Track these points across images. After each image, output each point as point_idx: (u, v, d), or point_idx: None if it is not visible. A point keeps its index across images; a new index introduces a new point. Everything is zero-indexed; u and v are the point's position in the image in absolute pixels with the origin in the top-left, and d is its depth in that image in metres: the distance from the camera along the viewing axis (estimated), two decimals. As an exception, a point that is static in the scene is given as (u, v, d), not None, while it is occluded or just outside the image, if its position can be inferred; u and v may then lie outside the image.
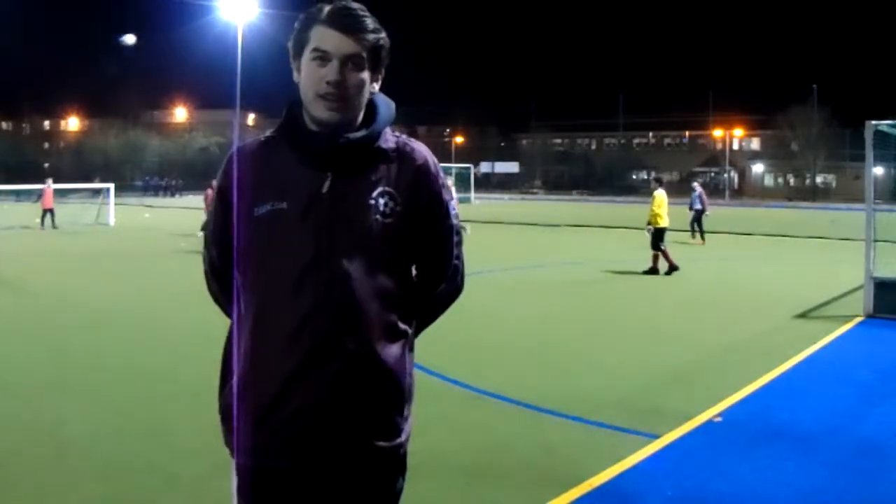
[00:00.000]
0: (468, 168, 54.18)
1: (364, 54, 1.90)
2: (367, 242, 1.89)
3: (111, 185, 30.69)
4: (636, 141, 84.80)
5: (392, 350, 1.94)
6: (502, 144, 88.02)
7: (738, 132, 75.72)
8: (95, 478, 4.50)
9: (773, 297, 11.54)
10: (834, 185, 68.73)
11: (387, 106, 2.01)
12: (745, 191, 73.03)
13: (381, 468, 1.95)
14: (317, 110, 1.90)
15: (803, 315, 10.23)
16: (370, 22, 1.91)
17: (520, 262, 16.43)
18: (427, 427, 5.53)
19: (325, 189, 1.89)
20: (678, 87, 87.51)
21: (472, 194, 51.66)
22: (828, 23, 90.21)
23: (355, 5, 1.92)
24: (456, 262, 2.09)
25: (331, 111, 1.88)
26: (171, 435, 5.24)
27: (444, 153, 76.57)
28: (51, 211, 25.38)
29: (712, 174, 75.91)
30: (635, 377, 6.96)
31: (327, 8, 1.90)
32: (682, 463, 4.82)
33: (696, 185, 22.28)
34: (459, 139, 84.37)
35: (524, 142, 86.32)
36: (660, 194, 14.43)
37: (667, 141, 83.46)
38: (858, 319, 9.79)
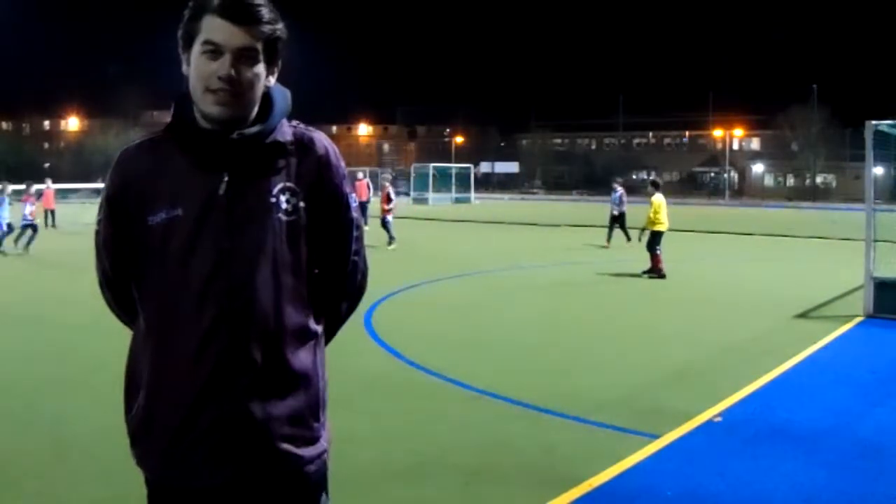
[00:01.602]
0: (468, 168, 54.17)
1: (259, 47, 1.76)
2: (271, 244, 1.78)
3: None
4: (636, 141, 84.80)
5: (302, 355, 1.84)
6: (502, 144, 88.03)
7: (738, 132, 75.71)
8: (95, 478, 4.50)
9: (773, 297, 11.54)
10: (834, 185, 68.72)
11: (283, 97, 1.87)
12: (745, 191, 73.02)
13: (300, 480, 1.85)
14: (207, 106, 1.75)
15: (803, 315, 10.23)
16: (266, 11, 1.77)
17: (520, 262, 16.43)
18: (427, 427, 5.54)
19: (221, 191, 1.76)
20: (678, 87, 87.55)
21: (472, 194, 51.66)
22: (828, 23, 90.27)
23: None
24: (355, 258, 1.96)
25: (221, 106, 1.74)
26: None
27: (444, 153, 76.62)
28: (51, 211, 25.38)
29: (712, 174, 75.92)
30: (635, 377, 6.96)
31: None
32: (682, 463, 4.82)
33: (616, 185, 21.06)
34: (459, 139, 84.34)
35: (524, 142, 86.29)
36: (658, 198, 14.31)
37: (667, 141, 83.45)
38: (858, 319, 9.78)
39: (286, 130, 1.86)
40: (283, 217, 1.81)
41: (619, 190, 20.42)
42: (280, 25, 1.80)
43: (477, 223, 28.79)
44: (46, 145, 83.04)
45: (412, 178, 51.39)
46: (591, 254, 18.42)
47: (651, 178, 16.03)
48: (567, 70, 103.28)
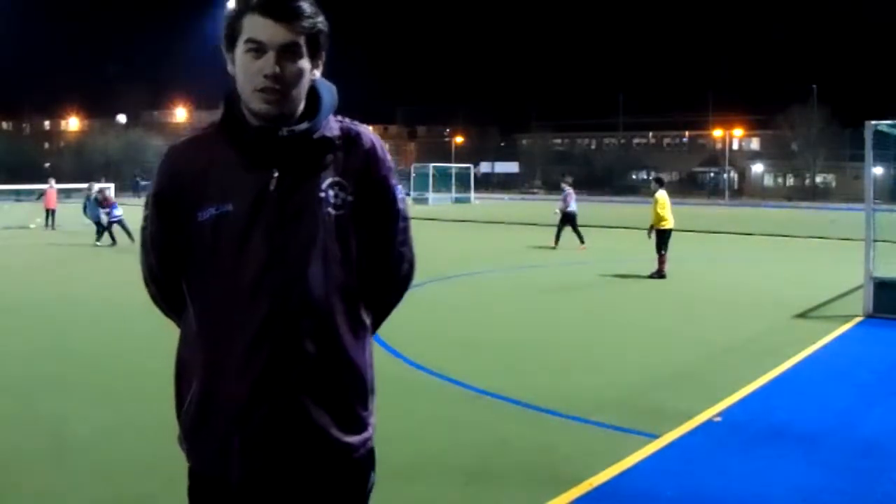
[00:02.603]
0: (468, 168, 54.16)
1: (301, 42, 1.77)
2: (322, 238, 1.81)
3: (111, 185, 30.72)
4: (636, 141, 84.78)
5: (353, 346, 1.88)
6: (502, 144, 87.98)
7: (738, 132, 75.68)
8: (96, 478, 4.50)
9: (773, 297, 11.54)
10: (834, 185, 68.73)
11: (329, 92, 1.90)
12: (744, 191, 73.01)
13: (352, 464, 1.90)
14: (255, 104, 1.78)
15: (803, 315, 10.24)
16: (306, 6, 1.78)
17: (520, 262, 16.43)
18: (427, 427, 5.54)
19: (272, 187, 1.79)
20: (678, 87, 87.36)
21: (472, 194, 51.65)
22: (828, 23, 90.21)
23: None
24: (402, 248, 1.97)
25: (269, 104, 1.77)
26: (171, 435, 5.22)
27: (444, 153, 76.60)
28: (52, 211, 25.42)
29: (712, 174, 75.92)
30: (635, 377, 6.96)
31: None
32: (682, 463, 4.82)
33: (565, 185, 20.27)
34: (459, 139, 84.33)
35: (524, 142, 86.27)
36: (662, 195, 14.02)
37: (667, 141, 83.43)
38: (858, 319, 9.79)
39: (333, 125, 1.88)
40: (333, 211, 1.83)
41: (567, 189, 19.82)
42: (321, 19, 1.82)
43: (477, 223, 28.81)
44: (46, 145, 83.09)
45: (412, 179, 51.39)
46: (591, 254, 18.41)
47: (654, 174, 15.51)
48: (567, 70, 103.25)
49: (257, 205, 1.79)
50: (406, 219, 1.99)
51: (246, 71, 1.78)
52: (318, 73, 1.86)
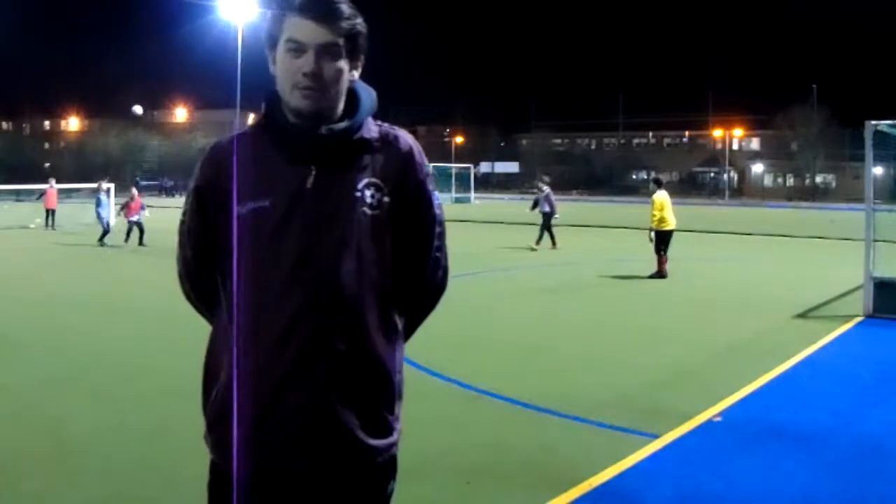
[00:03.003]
0: (468, 168, 54.17)
1: (340, 42, 1.82)
2: (356, 237, 1.83)
3: (111, 185, 30.70)
4: (636, 141, 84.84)
5: (383, 347, 1.89)
6: (502, 144, 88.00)
7: (738, 132, 75.75)
8: (95, 478, 4.50)
9: (773, 297, 11.54)
10: (834, 185, 68.77)
11: (368, 95, 1.93)
12: (744, 191, 73.05)
13: (373, 469, 1.91)
14: (294, 101, 1.82)
15: (803, 315, 10.23)
16: (345, 8, 1.83)
17: (520, 262, 16.43)
18: (427, 427, 5.53)
19: (309, 184, 1.82)
20: (678, 87, 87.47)
21: (472, 194, 51.67)
22: (828, 23, 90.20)
23: None
24: (437, 254, 1.99)
25: (307, 100, 1.81)
26: (171, 435, 5.24)
27: (444, 153, 76.54)
28: (52, 211, 25.40)
29: (712, 174, 75.95)
30: (635, 377, 6.96)
31: None
32: (682, 463, 4.82)
33: (542, 184, 19.96)
34: (459, 139, 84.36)
35: (524, 142, 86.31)
36: (659, 197, 13.84)
37: (667, 141, 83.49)
38: (858, 319, 9.79)
39: (372, 127, 1.91)
40: (368, 211, 1.85)
41: (546, 189, 19.48)
42: (359, 20, 1.86)
43: (477, 223, 28.81)
44: (46, 145, 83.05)
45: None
46: (591, 254, 18.43)
47: (653, 175, 15.29)
48: (567, 70, 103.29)
49: (294, 201, 1.82)
50: (442, 224, 2.01)
51: (286, 69, 1.82)
52: (356, 75, 1.91)
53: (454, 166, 54.55)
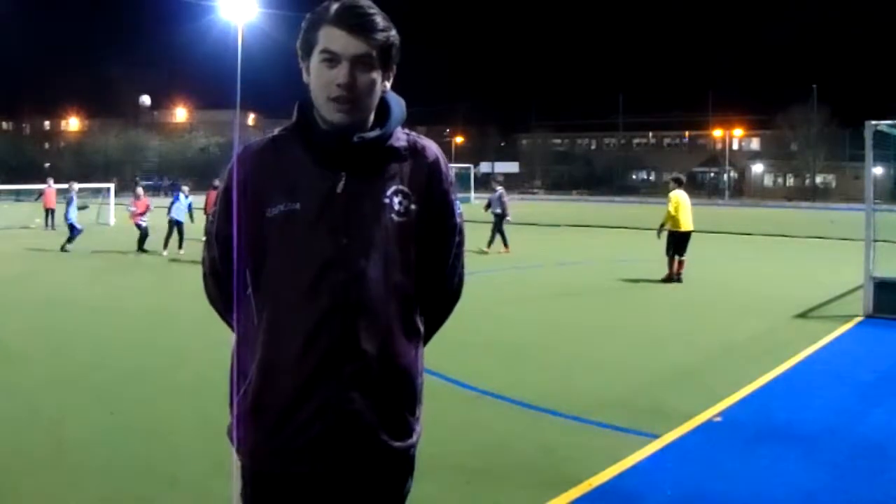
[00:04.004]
0: (468, 168, 54.14)
1: (374, 54, 1.85)
2: (383, 242, 1.87)
3: (111, 185, 30.72)
4: (636, 141, 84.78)
5: (407, 350, 1.93)
6: (502, 144, 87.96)
7: (738, 132, 75.71)
8: (95, 478, 4.50)
9: (773, 297, 11.54)
10: (834, 185, 68.74)
11: (398, 104, 1.98)
12: (744, 191, 73.04)
13: (393, 469, 1.95)
14: (328, 113, 1.86)
15: (803, 315, 10.24)
16: (380, 20, 1.86)
17: (520, 262, 16.43)
18: (427, 427, 5.52)
19: (339, 189, 1.86)
20: (678, 87, 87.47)
21: (472, 194, 51.64)
22: (828, 23, 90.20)
23: (363, 3, 1.86)
24: (456, 262, 2.05)
25: (342, 113, 1.85)
26: (171, 435, 5.24)
27: (444, 153, 76.31)
28: (51, 211, 25.38)
29: (712, 174, 75.94)
30: (635, 377, 6.96)
31: (335, 6, 1.85)
32: (682, 463, 4.82)
33: (496, 184, 19.36)
34: (459, 139, 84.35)
35: (524, 142, 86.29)
36: (676, 195, 13.24)
37: (667, 141, 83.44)
38: (858, 319, 9.79)
39: (401, 136, 1.96)
40: (396, 218, 1.90)
41: (499, 189, 19.02)
42: (393, 32, 1.90)
43: (476, 223, 28.78)
44: (46, 145, 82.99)
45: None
46: (591, 254, 18.43)
47: (673, 174, 14.49)
48: (567, 70, 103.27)
49: (324, 205, 1.85)
50: (462, 233, 2.06)
51: (320, 80, 1.85)
52: (388, 85, 1.95)
53: (454, 166, 54.50)
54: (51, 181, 27.11)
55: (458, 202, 2.05)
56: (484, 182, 72.25)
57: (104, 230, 25.15)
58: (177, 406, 5.88)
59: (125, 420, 5.58)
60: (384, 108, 1.94)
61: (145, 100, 26.05)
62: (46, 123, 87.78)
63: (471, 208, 40.13)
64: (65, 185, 32.03)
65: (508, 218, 18.25)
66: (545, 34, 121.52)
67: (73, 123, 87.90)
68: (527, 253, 18.59)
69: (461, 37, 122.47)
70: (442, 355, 7.51)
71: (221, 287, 2.02)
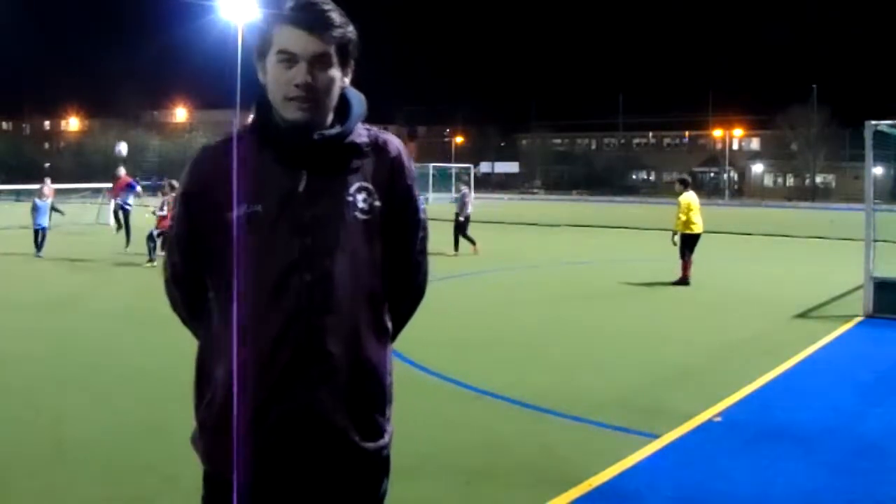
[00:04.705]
0: (468, 168, 54.15)
1: (332, 51, 1.82)
2: (348, 240, 1.84)
3: (111, 185, 30.67)
4: (636, 141, 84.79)
5: (375, 350, 1.90)
6: (502, 144, 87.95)
7: (738, 132, 75.72)
8: (95, 478, 4.50)
9: (773, 297, 11.54)
10: (833, 185, 68.76)
11: (359, 100, 1.95)
12: (744, 191, 73.06)
13: (366, 471, 1.92)
14: (287, 112, 1.83)
15: (803, 315, 10.24)
16: (336, 16, 1.83)
17: (519, 262, 16.43)
18: (427, 427, 5.53)
19: (300, 188, 1.83)
20: (678, 87, 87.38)
21: (472, 194, 51.64)
22: (828, 23, 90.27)
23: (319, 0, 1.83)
24: (419, 258, 2.02)
25: (301, 111, 1.82)
26: (170, 435, 5.23)
27: (444, 153, 76.62)
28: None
29: (712, 174, 75.96)
30: (635, 377, 6.96)
31: (290, 4, 1.81)
32: (682, 463, 4.82)
33: (462, 185, 18.75)
34: (459, 139, 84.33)
35: (524, 142, 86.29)
36: (686, 198, 12.99)
37: (667, 141, 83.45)
38: (858, 319, 9.79)
39: (362, 132, 1.92)
40: (360, 215, 1.87)
41: (464, 189, 18.49)
42: (350, 28, 1.87)
43: (476, 223, 28.77)
44: (46, 145, 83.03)
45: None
46: (591, 254, 18.43)
47: (680, 175, 14.25)
48: (567, 70, 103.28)
49: (286, 205, 1.82)
50: (425, 229, 2.03)
51: (278, 80, 1.82)
52: (347, 81, 1.91)
53: (454, 166, 54.51)
54: (48, 181, 27.06)
55: (421, 197, 2.03)
56: (484, 182, 72.47)
57: (105, 230, 25.14)
58: (177, 406, 5.87)
59: (125, 420, 5.58)
60: (344, 104, 1.91)
61: (122, 149, 25.78)
62: (46, 123, 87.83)
63: (472, 209, 40.09)
64: (63, 186, 31.98)
65: (461, 219, 17.50)
66: (545, 34, 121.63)
67: (73, 123, 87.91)
68: (526, 253, 18.59)
69: (462, 37, 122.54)
70: (442, 355, 7.54)
71: (183, 292, 1.99)
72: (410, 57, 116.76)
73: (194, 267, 1.93)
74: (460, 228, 17.37)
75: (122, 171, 18.64)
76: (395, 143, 1.97)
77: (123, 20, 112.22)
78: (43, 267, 15.09)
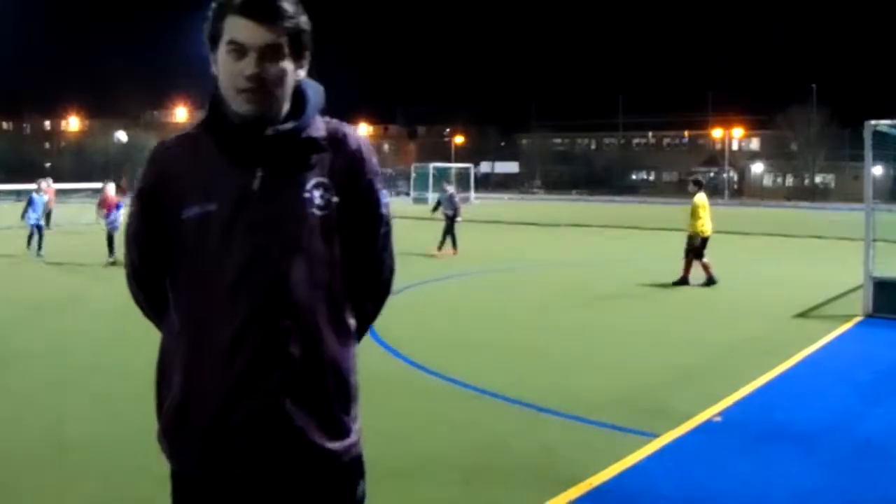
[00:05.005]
0: (468, 168, 54.15)
1: (283, 42, 1.76)
2: (305, 239, 1.79)
3: (111, 185, 30.66)
4: (636, 141, 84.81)
5: (337, 349, 1.86)
6: (502, 144, 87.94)
7: (738, 132, 75.71)
8: (95, 478, 4.50)
9: (772, 297, 11.55)
10: (833, 185, 68.75)
11: (316, 92, 1.89)
12: (744, 191, 73.04)
13: (336, 473, 1.87)
14: (238, 105, 1.77)
15: (803, 315, 10.24)
16: (288, 6, 1.76)
17: (519, 262, 16.43)
18: (427, 427, 5.54)
19: (255, 186, 1.78)
20: (678, 87, 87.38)
21: (472, 194, 51.64)
22: (828, 23, 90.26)
23: None
24: (383, 254, 1.97)
25: (251, 104, 1.76)
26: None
27: (444, 153, 76.56)
28: (50, 211, 25.31)
29: (712, 174, 75.96)
30: (635, 377, 6.96)
31: None
32: (682, 463, 4.82)
33: (445, 184, 18.46)
34: (459, 139, 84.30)
35: (524, 142, 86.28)
36: (700, 199, 12.95)
37: (666, 141, 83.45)
38: (858, 319, 9.79)
39: (320, 126, 1.86)
40: (317, 212, 1.81)
41: (449, 189, 18.09)
42: (303, 18, 1.81)
43: (477, 223, 28.80)
44: (47, 145, 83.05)
45: (412, 178, 51.39)
46: (590, 254, 18.42)
47: (693, 176, 14.15)
48: (567, 70, 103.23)
49: (241, 204, 1.78)
50: (388, 224, 1.97)
51: (228, 72, 1.77)
52: (302, 73, 1.85)
53: (454, 166, 54.53)
54: (49, 181, 27.05)
55: (384, 192, 1.96)
56: (484, 182, 72.49)
57: (104, 231, 25.12)
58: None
59: (125, 420, 5.57)
60: (300, 97, 1.84)
61: (121, 136, 25.42)
62: (46, 123, 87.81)
63: (472, 208, 40.15)
64: (62, 186, 31.96)
65: (459, 219, 17.39)
66: (545, 35, 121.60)
67: (73, 123, 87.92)
68: (526, 253, 18.59)
69: (462, 37, 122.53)
70: (442, 355, 7.54)
71: (144, 290, 1.96)
72: (411, 57, 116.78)
73: (153, 265, 1.90)
74: (447, 226, 17.07)
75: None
76: (355, 136, 1.90)
77: (123, 20, 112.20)
78: (43, 266, 15.09)
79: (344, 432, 1.88)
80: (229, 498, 1.84)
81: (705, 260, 12.81)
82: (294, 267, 1.79)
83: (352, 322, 1.92)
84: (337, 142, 1.87)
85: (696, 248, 12.81)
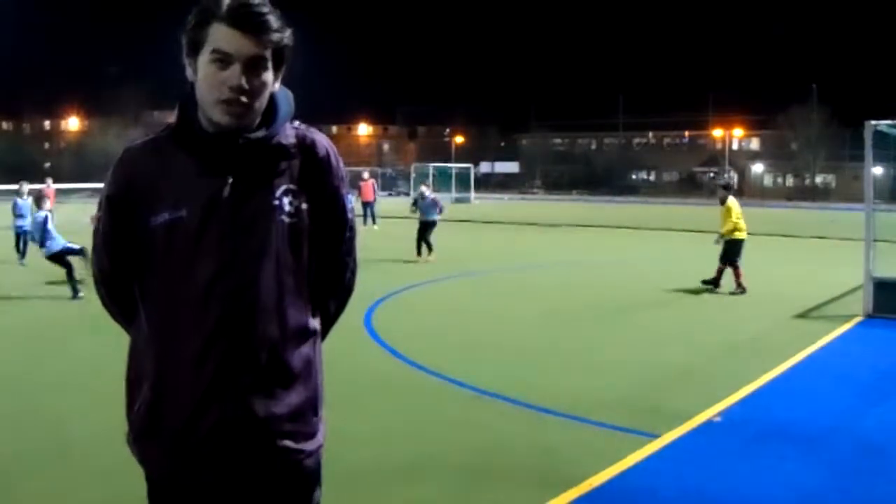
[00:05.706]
0: (468, 168, 54.16)
1: (268, 55, 1.76)
2: (274, 246, 1.80)
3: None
4: (636, 141, 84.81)
5: (303, 353, 1.88)
6: (502, 144, 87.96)
7: (738, 132, 75.73)
8: (95, 479, 4.50)
9: (772, 297, 11.55)
10: (833, 185, 68.76)
11: (286, 99, 1.89)
12: (744, 191, 72.90)
13: (299, 474, 1.89)
14: (217, 115, 1.76)
15: (803, 315, 10.24)
16: (273, 20, 1.76)
17: (519, 262, 16.43)
18: (427, 427, 5.54)
19: (225, 194, 1.78)
20: (678, 87, 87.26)
21: (472, 194, 51.66)
22: (828, 22, 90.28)
23: (257, 0, 1.76)
24: (346, 257, 1.99)
25: (230, 116, 1.75)
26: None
27: (444, 153, 76.58)
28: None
29: (712, 174, 75.95)
30: (635, 377, 6.96)
31: (227, 3, 1.74)
32: (682, 463, 4.83)
33: (424, 188, 17.34)
34: (459, 139, 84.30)
35: (524, 142, 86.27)
36: (733, 202, 12.82)
37: (667, 141, 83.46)
38: (858, 319, 9.79)
39: (289, 132, 1.87)
40: (286, 219, 1.82)
41: (429, 195, 16.74)
42: (287, 33, 1.81)
43: (477, 223, 28.80)
44: (46, 145, 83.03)
45: (412, 178, 51.41)
46: (590, 254, 18.41)
47: (722, 180, 14.16)
48: (567, 70, 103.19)
49: (210, 211, 1.78)
50: (353, 229, 2.00)
51: (210, 81, 1.75)
52: (277, 85, 1.85)
53: (454, 166, 54.52)
54: (49, 181, 27.04)
55: (349, 196, 2.00)
56: (484, 182, 72.48)
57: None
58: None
59: (124, 422, 5.57)
60: (271, 104, 1.84)
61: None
62: (46, 123, 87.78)
63: (471, 208, 40.14)
64: (62, 185, 31.95)
65: (437, 218, 16.29)
66: (545, 35, 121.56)
67: (73, 123, 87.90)
68: (526, 253, 18.59)
69: (462, 37, 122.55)
70: (442, 355, 7.54)
71: (114, 294, 1.96)
72: (410, 57, 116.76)
73: (122, 271, 1.89)
74: (426, 232, 16.00)
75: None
76: (323, 142, 1.92)
77: (123, 19, 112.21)
78: (43, 266, 15.07)
79: (311, 434, 1.90)
80: (196, 501, 1.85)
81: (740, 269, 12.56)
82: (262, 273, 1.80)
83: (315, 325, 1.94)
84: (305, 148, 1.88)
85: (726, 251, 12.61)
